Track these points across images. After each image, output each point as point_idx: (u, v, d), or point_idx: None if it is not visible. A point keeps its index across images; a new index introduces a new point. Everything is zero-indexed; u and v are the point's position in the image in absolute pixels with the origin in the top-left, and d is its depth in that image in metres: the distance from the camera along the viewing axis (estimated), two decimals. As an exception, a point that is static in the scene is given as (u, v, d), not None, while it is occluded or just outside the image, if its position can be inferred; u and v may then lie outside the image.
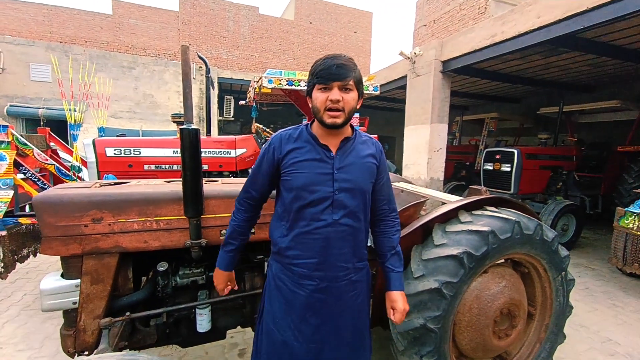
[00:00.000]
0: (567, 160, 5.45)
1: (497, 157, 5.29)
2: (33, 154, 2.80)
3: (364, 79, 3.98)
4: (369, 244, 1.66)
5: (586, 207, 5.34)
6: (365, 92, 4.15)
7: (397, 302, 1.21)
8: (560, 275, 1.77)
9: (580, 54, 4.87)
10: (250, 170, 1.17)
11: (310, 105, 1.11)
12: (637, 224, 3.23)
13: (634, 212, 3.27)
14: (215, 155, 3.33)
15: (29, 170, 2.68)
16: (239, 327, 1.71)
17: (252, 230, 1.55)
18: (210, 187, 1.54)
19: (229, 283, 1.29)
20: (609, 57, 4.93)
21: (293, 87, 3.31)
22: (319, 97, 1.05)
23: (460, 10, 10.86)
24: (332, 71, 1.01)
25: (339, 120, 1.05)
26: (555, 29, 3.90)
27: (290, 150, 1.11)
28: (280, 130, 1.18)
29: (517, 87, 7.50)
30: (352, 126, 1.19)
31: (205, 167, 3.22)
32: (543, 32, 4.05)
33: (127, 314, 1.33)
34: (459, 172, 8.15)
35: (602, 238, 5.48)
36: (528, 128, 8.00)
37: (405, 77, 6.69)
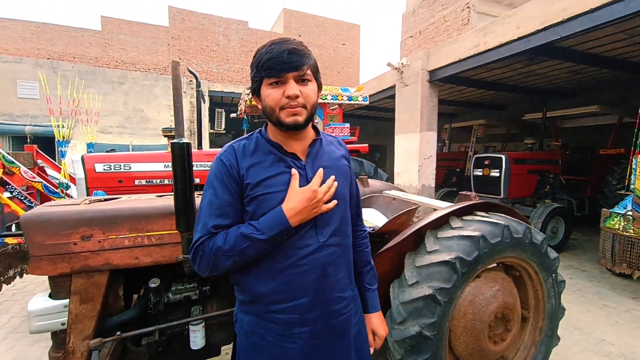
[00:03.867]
0: (553, 164, 5.60)
1: (486, 162, 5.41)
2: (20, 172, 2.75)
3: (352, 90, 4.06)
4: None
5: (574, 210, 5.46)
6: (354, 102, 4.23)
7: (380, 326, 1.07)
8: (550, 277, 1.79)
9: (559, 62, 5.07)
10: (201, 209, 0.89)
11: (260, 107, 0.89)
12: (622, 224, 3.31)
13: (619, 213, 3.35)
14: (207, 168, 3.31)
15: (15, 189, 2.63)
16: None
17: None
18: (202, 200, 1.54)
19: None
20: (586, 65, 5.14)
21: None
22: (271, 94, 0.83)
23: (445, 21, 11.23)
24: (284, 59, 0.79)
25: (300, 118, 0.84)
26: (534, 39, 4.07)
27: (250, 167, 0.87)
28: (230, 143, 0.93)
29: (502, 95, 7.73)
30: (314, 126, 0.99)
31: (197, 180, 3.20)
32: (523, 42, 4.22)
33: (118, 333, 1.29)
34: (449, 178, 8.27)
35: (591, 239, 5.58)
36: (515, 134, 8.21)
37: (393, 87, 6.84)
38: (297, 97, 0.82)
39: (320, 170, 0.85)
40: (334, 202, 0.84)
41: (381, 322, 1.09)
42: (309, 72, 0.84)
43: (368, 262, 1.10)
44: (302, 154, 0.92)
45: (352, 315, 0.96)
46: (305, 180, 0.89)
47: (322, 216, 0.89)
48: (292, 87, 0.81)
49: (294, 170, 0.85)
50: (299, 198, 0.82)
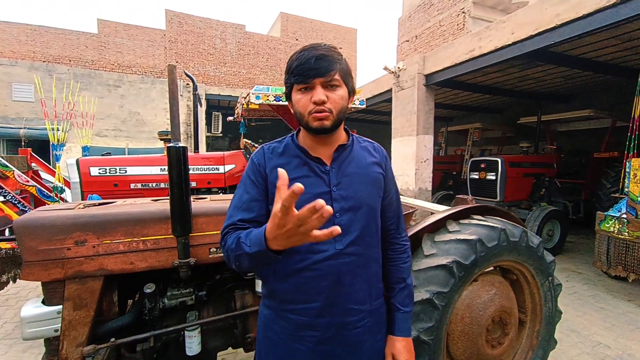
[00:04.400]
0: (548, 167, 5.64)
1: (482, 166, 5.44)
2: (14, 176, 2.73)
3: (350, 94, 4.08)
4: None
5: (569, 213, 5.50)
6: (351, 105, 4.24)
7: (401, 354, 0.96)
8: (547, 280, 1.80)
9: (553, 66, 5.14)
10: (233, 201, 0.94)
11: (292, 111, 0.92)
12: (617, 227, 3.34)
13: (614, 216, 3.38)
14: (203, 172, 3.30)
15: (9, 193, 2.60)
16: (229, 348, 1.66)
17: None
18: (198, 204, 1.53)
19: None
20: (579, 69, 5.21)
21: (281, 103, 3.35)
22: (300, 100, 0.85)
23: (440, 26, 11.35)
24: (311, 65, 0.81)
25: (327, 123, 0.85)
26: (528, 44, 4.12)
27: (274, 167, 0.89)
28: (263, 145, 1.00)
29: (497, 98, 7.80)
30: (347, 130, 0.98)
31: (193, 184, 3.19)
32: (517, 47, 4.27)
33: (112, 340, 1.28)
34: (446, 181, 8.31)
35: (586, 242, 5.62)
36: (510, 137, 8.28)
37: (390, 90, 6.88)
38: (323, 102, 0.83)
39: (293, 187, 0.59)
40: (333, 229, 0.63)
41: (405, 350, 0.97)
42: (337, 77, 0.84)
43: (402, 280, 1.02)
44: (328, 159, 0.92)
45: (369, 331, 0.92)
46: (327, 186, 0.89)
47: (341, 223, 0.87)
48: (318, 93, 0.83)
49: (281, 171, 0.65)
50: (271, 224, 0.67)
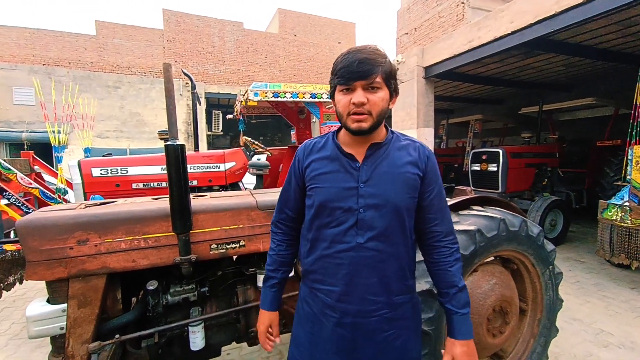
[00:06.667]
0: (551, 157, 5.60)
1: (484, 157, 5.40)
2: (17, 179, 2.76)
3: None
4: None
5: (572, 202, 5.47)
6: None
7: (461, 356, 0.93)
8: (547, 269, 1.80)
9: (554, 55, 5.07)
10: (280, 193, 1.12)
11: (334, 110, 0.97)
12: (620, 215, 3.32)
13: (617, 204, 3.36)
14: (204, 170, 3.31)
15: (12, 195, 2.63)
16: (234, 342, 1.68)
17: (242, 243, 1.56)
18: (198, 201, 1.54)
19: (270, 328, 1.10)
20: (580, 57, 5.15)
21: (279, 99, 3.34)
22: (341, 101, 0.91)
23: (440, 17, 11.22)
24: (354, 69, 0.85)
25: (365, 125, 0.89)
26: (528, 32, 4.07)
27: (312, 161, 0.99)
28: (308, 140, 1.06)
29: (498, 89, 7.73)
30: (387, 128, 1.02)
31: (194, 182, 3.20)
32: (517, 36, 4.22)
33: (117, 336, 1.30)
34: (448, 174, 8.29)
35: (590, 231, 5.60)
36: (512, 128, 8.22)
37: (389, 84, 6.83)
38: (362, 104, 0.87)
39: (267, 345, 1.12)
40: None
41: (466, 355, 0.94)
42: (378, 80, 0.87)
43: (453, 284, 0.97)
44: (361, 156, 0.95)
45: (387, 322, 0.95)
46: (355, 182, 0.93)
47: (364, 218, 0.92)
48: (358, 95, 0.87)
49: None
50: (258, 323, 1.12)
